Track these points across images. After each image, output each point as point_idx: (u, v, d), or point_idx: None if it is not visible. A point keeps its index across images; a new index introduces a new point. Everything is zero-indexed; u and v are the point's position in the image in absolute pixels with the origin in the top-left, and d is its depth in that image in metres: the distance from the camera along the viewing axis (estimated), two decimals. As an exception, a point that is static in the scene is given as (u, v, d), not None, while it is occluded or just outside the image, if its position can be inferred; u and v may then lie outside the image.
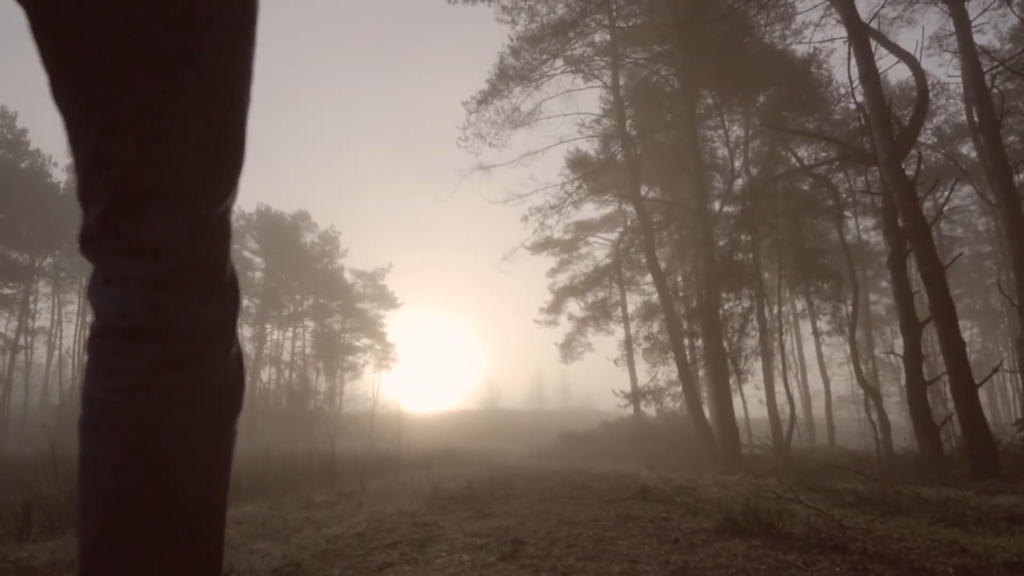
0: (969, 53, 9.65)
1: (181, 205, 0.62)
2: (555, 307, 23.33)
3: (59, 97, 0.63)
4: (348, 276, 37.01)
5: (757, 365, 14.69)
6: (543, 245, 22.10)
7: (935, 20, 28.63)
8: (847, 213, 17.60)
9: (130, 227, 0.63)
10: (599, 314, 22.17)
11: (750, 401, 16.21)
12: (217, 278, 0.66)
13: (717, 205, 16.35)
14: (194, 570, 0.63)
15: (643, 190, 17.53)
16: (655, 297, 18.17)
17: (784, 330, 18.46)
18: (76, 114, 0.62)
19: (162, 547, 0.61)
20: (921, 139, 15.68)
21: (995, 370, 7.48)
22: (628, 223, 21.62)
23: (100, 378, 0.63)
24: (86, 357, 0.65)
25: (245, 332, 37.64)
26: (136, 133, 0.60)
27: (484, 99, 16.83)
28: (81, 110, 0.61)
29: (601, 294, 22.00)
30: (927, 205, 11.09)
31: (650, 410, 19.17)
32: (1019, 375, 24.62)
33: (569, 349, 23.31)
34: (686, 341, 15.05)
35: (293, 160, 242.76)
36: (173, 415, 0.62)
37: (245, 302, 38.35)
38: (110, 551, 0.61)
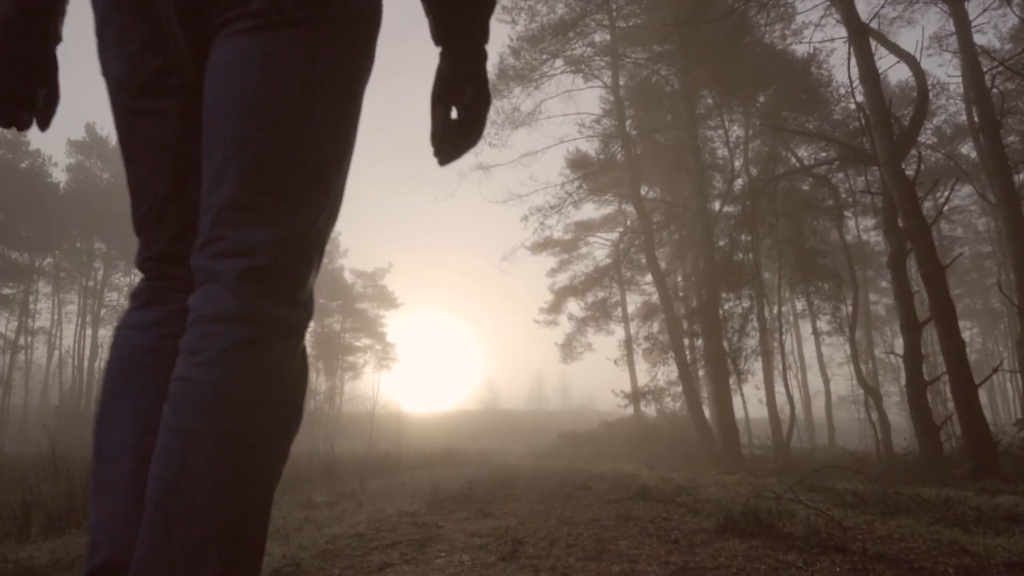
0: (969, 53, 9.65)
1: (271, 221, 0.75)
2: (555, 307, 23.34)
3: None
4: (348, 276, 37.03)
5: (757, 365, 14.70)
6: (543, 245, 22.10)
7: (935, 20, 28.67)
8: (847, 213, 17.61)
9: (228, 232, 0.74)
10: (599, 314, 22.17)
11: (750, 401, 16.22)
12: (294, 288, 0.77)
13: (717, 205, 16.36)
14: (236, 539, 0.68)
15: (643, 190, 17.53)
16: (655, 297, 18.18)
17: (784, 330, 18.46)
18: (206, 150, 0.78)
19: (211, 512, 0.67)
20: (921, 139, 15.67)
21: (995, 370, 7.48)
22: (628, 223, 21.62)
23: (185, 359, 0.72)
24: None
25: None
26: (245, 165, 0.75)
27: (484, 99, 16.81)
28: (208, 148, 0.78)
29: (601, 294, 22.01)
30: (927, 205, 11.07)
31: (650, 410, 19.18)
32: (1019, 375, 24.63)
33: (569, 349, 23.31)
34: (686, 341, 15.06)
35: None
36: (241, 389, 0.70)
37: (245, 302, 38.16)
38: (164, 511, 0.66)
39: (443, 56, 0.94)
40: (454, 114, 0.95)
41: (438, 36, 0.94)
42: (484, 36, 0.94)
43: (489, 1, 0.95)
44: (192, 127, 0.81)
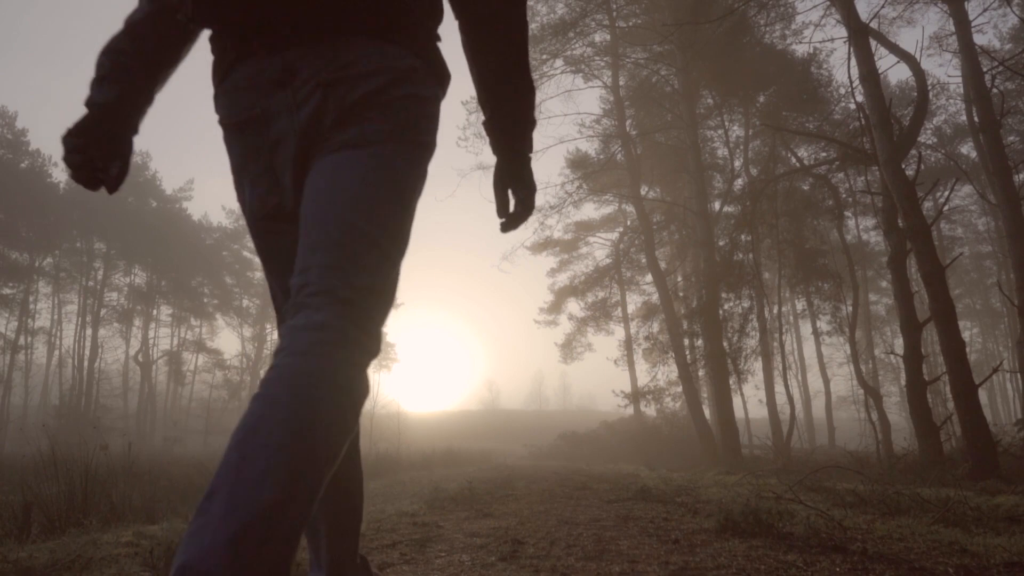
0: (969, 53, 9.65)
1: (350, 277, 0.97)
2: (555, 307, 23.35)
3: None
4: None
5: (757, 365, 14.68)
6: (543, 245, 22.13)
7: (935, 20, 28.73)
8: (847, 213, 17.58)
9: (318, 280, 0.96)
10: (599, 314, 22.17)
11: (750, 401, 16.23)
12: (365, 319, 0.96)
13: (717, 205, 16.36)
14: (299, 476, 0.79)
15: (643, 190, 17.53)
16: (655, 297, 18.19)
17: (784, 330, 18.45)
18: (303, 230, 1.03)
19: (280, 449, 0.78)
20: (921, 139, 15.68)
21: (995, 370, 7.48)
22: (628, 223, 21.63)
23: (275, 355, 0.90)
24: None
25: (245, 332, 37.65)
26: (334, 238, 0.99)
27: (484, 99, 16.79)
28: (305, 228, 1.02)
29: (601, 294, 22.00)
30: (927, 205, 11.08)
31: (650, 410, 19.18)
32: (1019, 375, 24.63)
33: (569, 349, 23.31)
34: (686, 341, 15.05)
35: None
36: (314, 372, 0.87)
37: (245, 302, 38.40)
38: (239, 450, 0.78)
39: (499, 160, 1.28)
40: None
41: (495, 151, 1.27)
42: (528, 149, 1.27)
43: (529, 128, 1.25)
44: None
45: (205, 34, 1.14)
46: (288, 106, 1.05)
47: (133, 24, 1.16)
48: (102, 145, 1.12)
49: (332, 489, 1.19)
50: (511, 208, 1.29)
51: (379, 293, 1.00)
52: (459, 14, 1.18)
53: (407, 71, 1.07)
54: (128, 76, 1.15)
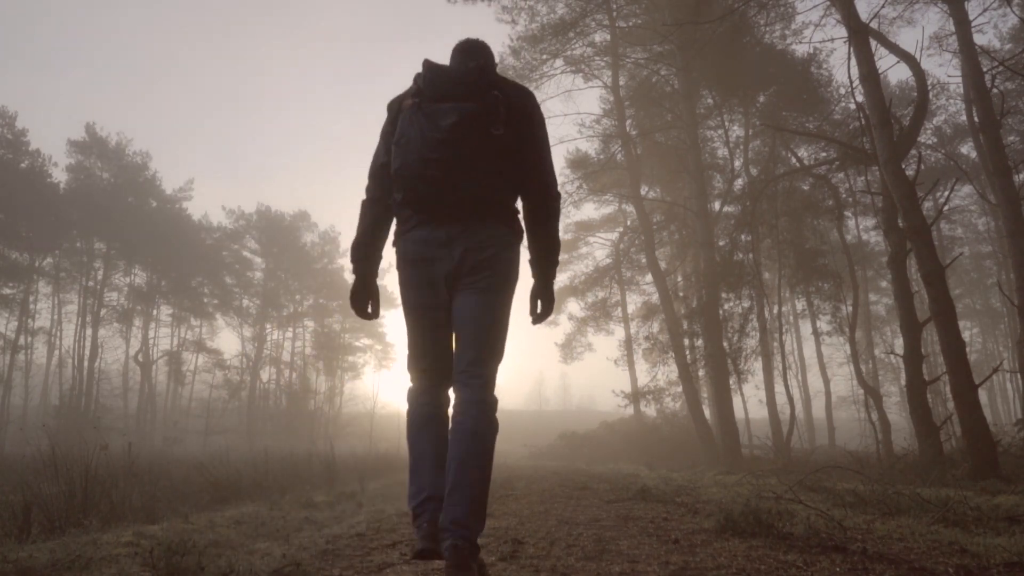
0: (969, 53, 9.65)
1: (488, 366, 2.00)
2: (555, 307, 23.32)
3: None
4: (348, 276, 36.97)
5: (757, 365, 14.68)
6: (543, 245, 21.99)
7: (935, 20, 28.70)
8: (847, 213, 17.56)
9: (473, 369, 1.98)
10: (599, 314, 22.15)
11: (750, 401, 16.19)
12: (493, 389, 1.99)
13: (717, 205, 16.34)
14: (486, 482, 1.92)
15: (643, 190, 17.51)
16: (655, 297, 18.18)
17: (784, 330, 18.44)
18: (461, 338, 2.07)
19: (485, 479, 1.88)
20: (921, 139, 15.67)
21: (995, 370, 7.49)
22: (628, 223, 21.61)
23: (468, 418, 1.92)
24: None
25: (245, 332, 37.65)
26: (480, 345, 2.00)
27: (484, 99, 16.71)
28: (460, 336, 2.05)
29: (601, 294, 21.99)
30: (927, 205, 11.08)
31: (650, 410, 19.16)
32: (1019, 375, 24.62)
33: (569, 349, 23.30)
34: (686, 341, 15.05)
35: (293, 160, 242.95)
36: (487, 424, 1.91)
37: (245, 302, 38.43)
38: (469, 482, 1.81)
39: (535, 283, 2.12)
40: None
41: (534, 276, 2.12)
42: (553, 275, 2.14)
43: (555, 264, 2.13)
44: (444, 324, 2.02)
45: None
46: (447, 257, 1.96)
47: (365, 218, 2.09)
48: (363, 297, 2.10)
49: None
50: (539, 311, 2.14)
51: (497, 369, 2.00)
52: (524, 208, 2.08)
53: (505, 240, 2.01)
54: (367, 256, 2.09)
